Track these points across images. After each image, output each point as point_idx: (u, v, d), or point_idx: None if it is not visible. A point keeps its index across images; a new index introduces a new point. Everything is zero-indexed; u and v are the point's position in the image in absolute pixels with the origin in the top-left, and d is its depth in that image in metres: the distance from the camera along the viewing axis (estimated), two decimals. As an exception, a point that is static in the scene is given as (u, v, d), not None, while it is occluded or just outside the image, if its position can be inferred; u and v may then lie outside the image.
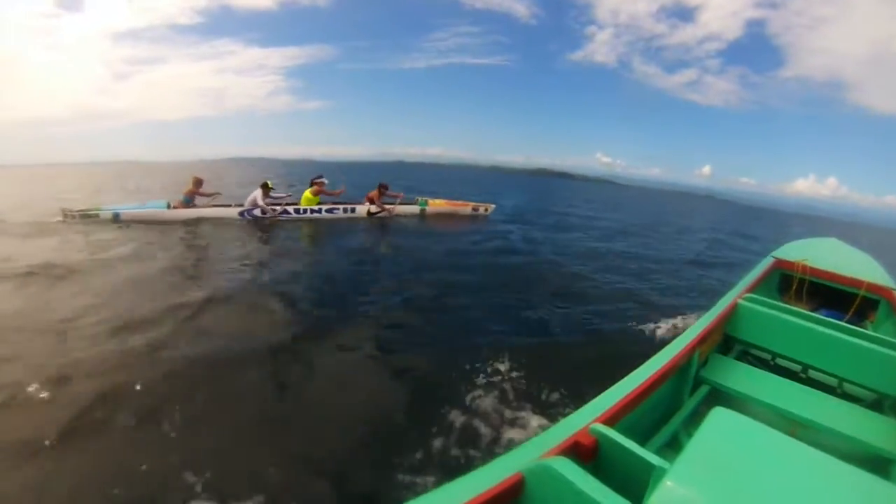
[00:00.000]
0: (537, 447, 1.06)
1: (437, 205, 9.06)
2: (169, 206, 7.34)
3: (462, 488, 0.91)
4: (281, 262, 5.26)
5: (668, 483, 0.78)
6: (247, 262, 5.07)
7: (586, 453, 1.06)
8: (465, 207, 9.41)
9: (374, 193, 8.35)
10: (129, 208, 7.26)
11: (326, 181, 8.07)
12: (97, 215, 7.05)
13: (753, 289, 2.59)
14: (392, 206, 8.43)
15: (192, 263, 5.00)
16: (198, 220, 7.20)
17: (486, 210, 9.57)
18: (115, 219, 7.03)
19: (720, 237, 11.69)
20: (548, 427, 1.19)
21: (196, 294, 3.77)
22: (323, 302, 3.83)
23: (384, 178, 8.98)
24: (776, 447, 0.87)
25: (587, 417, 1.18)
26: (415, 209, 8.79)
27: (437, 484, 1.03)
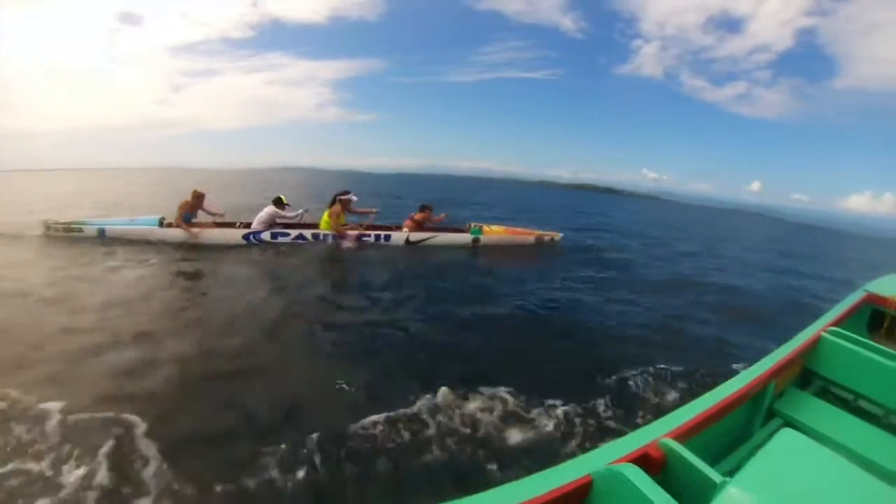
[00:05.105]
0: (607, 454, 1.05)
1: (493, 233, 7.16)
2: (161, 224, 6.05)
3: (532, 486, 0.91)
4: (288, 309, 3.80)
5: (731, 490, 0.82)
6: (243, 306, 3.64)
7: (654, 465, 1.05)
8: (528, 236, 7.56)
9: (419, 216, 6.83)
10: (116, 224, 6.15)
11: (355, 198, 6.41)
12: (81, 230, 6.09)
13: (840, 322, 2.28)
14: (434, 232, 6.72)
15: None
16: (192, 243, 5.90)
17: (553, 239, 7.65)
18: (100, 235, 6.00)
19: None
20: (618, 437, 1.14)
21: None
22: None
23: (432, 192, 7.21)
24: (846, 477, 0.84)
25: (657, 432, 1.15)
26: (465, 238, 6.92)
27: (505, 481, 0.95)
